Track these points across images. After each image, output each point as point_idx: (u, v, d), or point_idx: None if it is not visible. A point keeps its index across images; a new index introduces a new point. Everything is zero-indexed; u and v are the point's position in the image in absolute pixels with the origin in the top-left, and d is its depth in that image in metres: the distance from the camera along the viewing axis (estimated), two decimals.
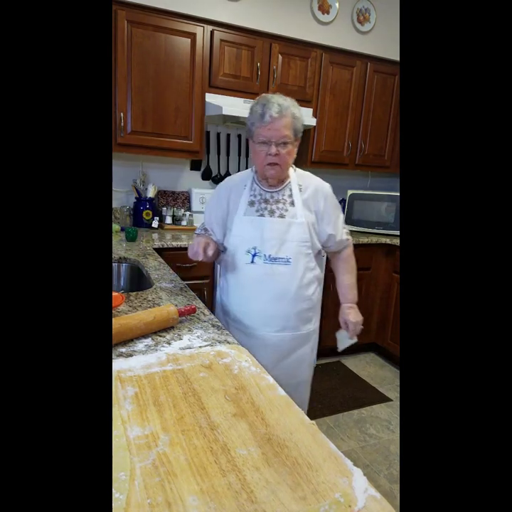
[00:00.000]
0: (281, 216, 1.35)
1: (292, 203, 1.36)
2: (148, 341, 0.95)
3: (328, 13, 2.78)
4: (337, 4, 2.79)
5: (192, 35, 2.39)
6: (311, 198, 1.37)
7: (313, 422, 0.66)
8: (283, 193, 1.37)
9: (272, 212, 1.35)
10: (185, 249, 2.29)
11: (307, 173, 1.45)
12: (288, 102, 1.26)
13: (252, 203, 1.38)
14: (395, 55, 3.01)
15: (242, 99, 2.56)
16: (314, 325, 1.50)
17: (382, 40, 2.99)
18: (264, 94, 1.29)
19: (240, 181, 1.44)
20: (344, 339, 1.53)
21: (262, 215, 1.35)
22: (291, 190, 1.37)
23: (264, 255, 1.34)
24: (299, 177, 1.40)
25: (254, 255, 1.35)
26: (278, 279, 1.35)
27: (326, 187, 1.41)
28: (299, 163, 3.24)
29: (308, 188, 1.38)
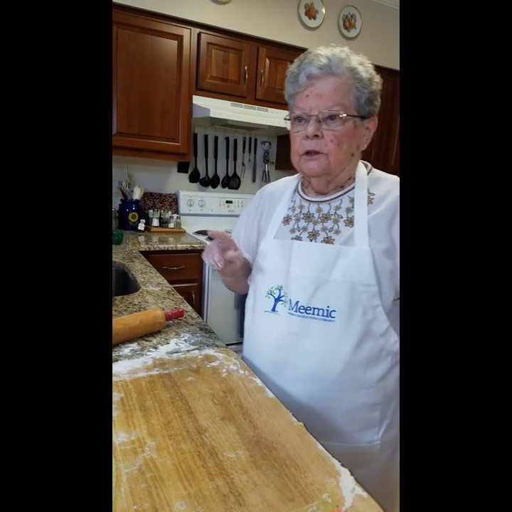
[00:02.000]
0: (328, 240, 0.84)
1: (351, 222, 0.83)
2: (134, 346, 0.94)
3: (314, 18, 2.81)
4: (323, 10, 2.82)
5: (179, 38, 2.39)
6: (386, 214, 0.81)
7: (301, 423, 0.66)
8: (338, 205, 0.86)
9: (313, 235, 0.85)
10: (173, 252, 2.30)
11: (391, 177, 0.89)
12: (345, 53, 0.78)
13: (287, 220, 0.91)
14: (380, 61, 3.04)
15: (230, 102, 2.57)
16: (382, 434, 0.86)
17: (368, 46, 3.02)
18: (310, 49, 0.82)
19: (281, 188, 0.97)
20: None
21: (297, 238, 0.87)
22: (352, 200, 0.85)
23: (290, 301, 0.84)
24: (372, 181, 0.87)
25: (277, 299, 0.86)
26: (310, 344, 0.82)
27: None
28: (284, 166, 3.25)
29: (384, 199, 0.83)
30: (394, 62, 3.12)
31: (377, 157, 3.21)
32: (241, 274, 0.98)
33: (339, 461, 0.57)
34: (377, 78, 0.82)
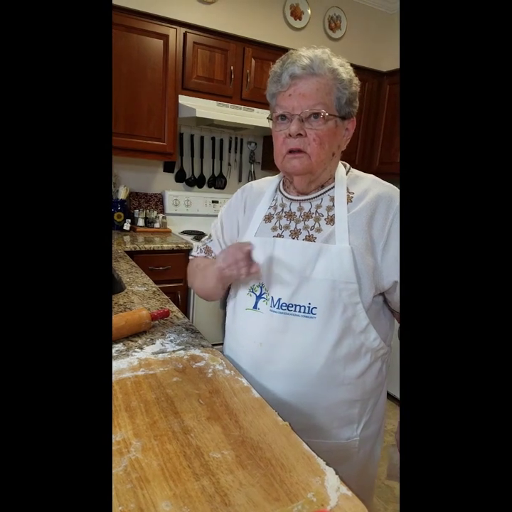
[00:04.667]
0: (310, 238, 0.84)
1: (331, 220, 0.84)
2: (120, 346, 0.93)
3: (300, 19, 2.82)
4: (309, 11, 2.84)
5: (165, 37, 2.37)
6: (366, 212, 0.82)
7: (287, 423, 0.66)
8: (318, 204, 0.87)
9: (295, 233, 0.86)
10: (159, 252, 2.28)
11: (369, 176, 0.90)
12: (326, 55, 0.79)
13: (268, 218, 0.91)
14: (365, 62, 3.08)
15: (216, 102, 2.57)
16: (361, 431, 0.88)
17: (353, 47, 3.06)
18: (292, 50, 0.83)
19: (263, 187, 0.98)
20: (398, 465, 0.92)
21: (279, 236, 0.87)
22: (333, 199, 0.86)
23: (272, 299, 0.84)
24: (351, 180, 0.88)
25: (259, 297, 0.87)
26: (291, 340, 0.82)
27: (398, 199, 0.83)
28: (270, 166, 3.24)
29: (363, 197, 0.84)
30: (378, 64, 3.16)
31: (361, 158, 3.25)
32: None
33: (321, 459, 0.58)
34: (356, 80, 0.84)
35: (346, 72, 0.81)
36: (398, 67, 2.97)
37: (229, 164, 3.09)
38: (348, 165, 0.93)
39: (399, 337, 0.93)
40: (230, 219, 0.99)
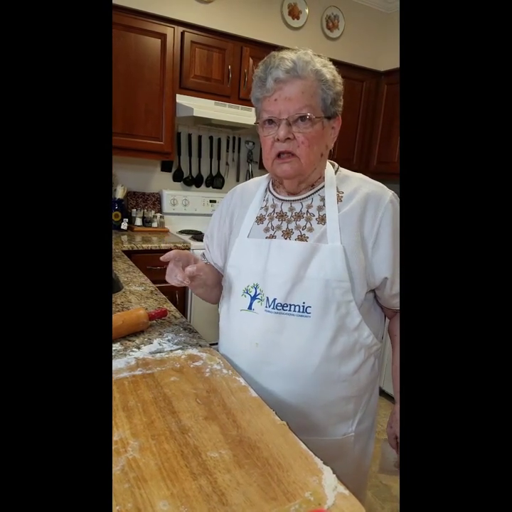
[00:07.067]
0: (302, 238, 0.85)
1: (322, 219, 0.85)
2: (117, 346, 0.93)
3: (298, 18, 2.82)
4: (307, 10, 2.84)
5: (162, 36, 2.37)
6: (356, 211, 0.83)
7: (284, 422, 0.66)
8: (309, 204, 0.88)
9: (287, 233, 0.87)
10: (156, 251, 2.28)
11: (357, 175, 0.91)
12: (308, 56, 0.79)
13: (260, 219, 0.92)
14: (363, 61, 3.08)
15: (214, 101, 2.56)
16: (356, 426, 0.90)
17: (351, 46, 3.06)
18: (273, 52, 0.83)
19: (252, 188, 0.99)
20: (390, 459, 0.96)
21: (272, 237, 0.88)
22: (323, 199, 0.87)
23: (267, 299, 0.85)
24: (340, 180, 0.89)
25: (253, 298, 0.87)
26: (287, 340, 0.83)
27: (386, 197, 0.84)
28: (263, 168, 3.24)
29: (352, 197, 0.85)
30: (376, 63, 3.16)
31: (359, 158, 3.25)
32: (210, 283, 1.01)
33: (317, 456, 0.59)
34: (340, 79, 0.84)
35: (329, 71, 0.81)
36: (396, 66, 2.97)
37: (227, 163, 3.08)
38: (336, 164, 0.93)
39: (388, 332, 0.96)
40: (221, 222, 1.01)
